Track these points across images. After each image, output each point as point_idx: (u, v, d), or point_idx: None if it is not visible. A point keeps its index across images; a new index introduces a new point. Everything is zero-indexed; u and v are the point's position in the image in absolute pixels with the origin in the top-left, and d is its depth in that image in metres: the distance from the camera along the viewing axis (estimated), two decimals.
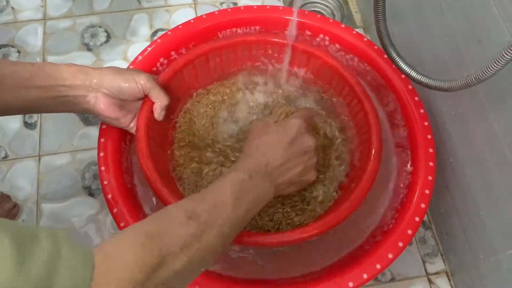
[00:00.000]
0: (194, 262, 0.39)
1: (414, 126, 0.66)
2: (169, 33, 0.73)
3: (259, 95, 0.73)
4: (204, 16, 0.75)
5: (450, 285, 0.74)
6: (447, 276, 0.75)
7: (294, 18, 0.67)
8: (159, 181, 0.57)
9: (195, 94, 0.73)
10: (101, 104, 0.56)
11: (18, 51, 0.95)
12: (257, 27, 0.76)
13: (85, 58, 0.95)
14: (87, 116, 0.89)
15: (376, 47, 0.72)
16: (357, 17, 1.03)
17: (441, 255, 0.76)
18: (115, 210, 0.59)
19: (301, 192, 0.63)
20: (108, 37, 0.98)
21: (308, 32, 0.74)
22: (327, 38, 0.74)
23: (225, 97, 0.73)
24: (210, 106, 0.72)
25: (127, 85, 0.57)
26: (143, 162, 0.58)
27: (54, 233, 0.32)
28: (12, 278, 0.27)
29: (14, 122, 0.88)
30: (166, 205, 0.51)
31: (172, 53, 0.73)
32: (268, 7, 0.75)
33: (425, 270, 0.75)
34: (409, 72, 0.60)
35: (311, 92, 0.73)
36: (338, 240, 0.61)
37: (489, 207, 0.61)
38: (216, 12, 0.75)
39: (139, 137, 0.59)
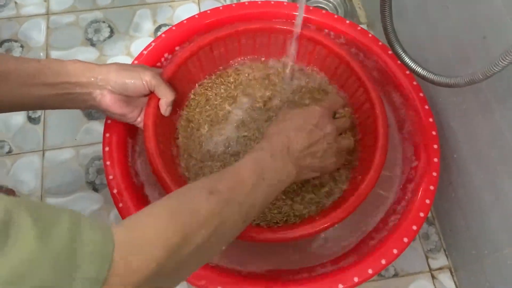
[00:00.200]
0: (214, 238, 0.39)
1: (418, 122, 0.66)
2: (173, 28, 0.73)
3: (263, 84, 0.73)
4: (208, 12, 0.75)
5: (453, 280, 0.74)
6: (450, 272, 0.75)
7: (301, 13, 0.66)
8: (169, 179, 0.57)
9: (198, 85, 0.73)
10: (107, 101, 0.56)
11: (21, 46, 0.95)
12: None
13: (88, 53, 0.95)
14: (91, 111, 0.89)
15: (380, 43, 0.72)
16: (360, 13, 1.02)
17: (444, 250, 0.77)
18: (120, 205, 0.59)
19: (311, 182, 0.63)
20: (112, 32, 0.97)
21: (312, 27, 0.74)
22: (332, 33, 0.74)
23: (231, 87, 0.73)
24: (216, 95, 0.72)
25: (132, 81, 0.56)
26: (153, 161, 0.58)
27: (72, 211, 0.32)
28: (35, 251, 0.27)
29: (17, 117, 0.88)
30: None
31: (177, 48, 0.72)
32: (272, 2, 0.75)
33: (428, 265, 0.76)
34: (415, 68, 0.60)
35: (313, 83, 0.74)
36: (342, 236, 0.61)
37: (493, 203, 0.61)
38: (221, 8, 0.75)
39: (148, 136, 0.59)
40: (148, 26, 0.98)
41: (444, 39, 0.66)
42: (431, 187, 0.61)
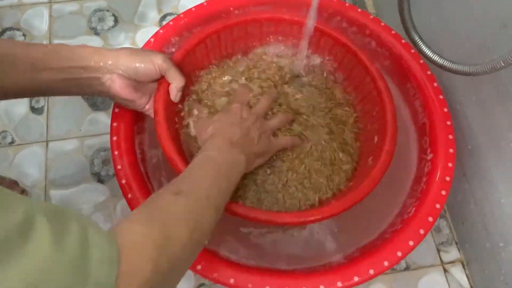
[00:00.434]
0: (195, 233, 0.42)
1: (433, 112, 0.65)
2: (181, 15, 0.72)
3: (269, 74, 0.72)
4: None
5: (465, 274, 0.73)
6: (462, 265, 0.74)
7: (314, 4, 0.65)
8: (182, 163, 0.55)
9: (204, 72, 0.71)
10: (117, 86, 0.55)
11: (24, 35, 0.93)
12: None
13: (92, 42, 0.93)
14: (95, 101, 0.87)
15: (393, 32, 0.71)
16: (369, 3, 1.01)
17: (456, 243, 0.76)
18: (129, 196, 0.57)
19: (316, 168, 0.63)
20: (116, 21, 0.95)
21: (324, 14, 0.72)
22: (344, 20, 0.72)
23: (236, 75, 0.71)
24: (223, 83, 0.70)
25: (143, 65, 0.55)
26: (165, 144, 0.56)
27: (77, 213, 0.33)
28: (52, 256, 0.28)
29: (20, 107, 0.86)
30: None
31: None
32: None
33: (440, 259, 0.74)
34: (432, 56, 0.58)
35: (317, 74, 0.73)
36: (358, 228, 0.60)
37: (510, 194, 0.60)
38: None
39: (158, 120, 0.57)
40: (153, 15, 0.96)
41: (460, 28, 0.65)
42: (447, 178, 0.60)
